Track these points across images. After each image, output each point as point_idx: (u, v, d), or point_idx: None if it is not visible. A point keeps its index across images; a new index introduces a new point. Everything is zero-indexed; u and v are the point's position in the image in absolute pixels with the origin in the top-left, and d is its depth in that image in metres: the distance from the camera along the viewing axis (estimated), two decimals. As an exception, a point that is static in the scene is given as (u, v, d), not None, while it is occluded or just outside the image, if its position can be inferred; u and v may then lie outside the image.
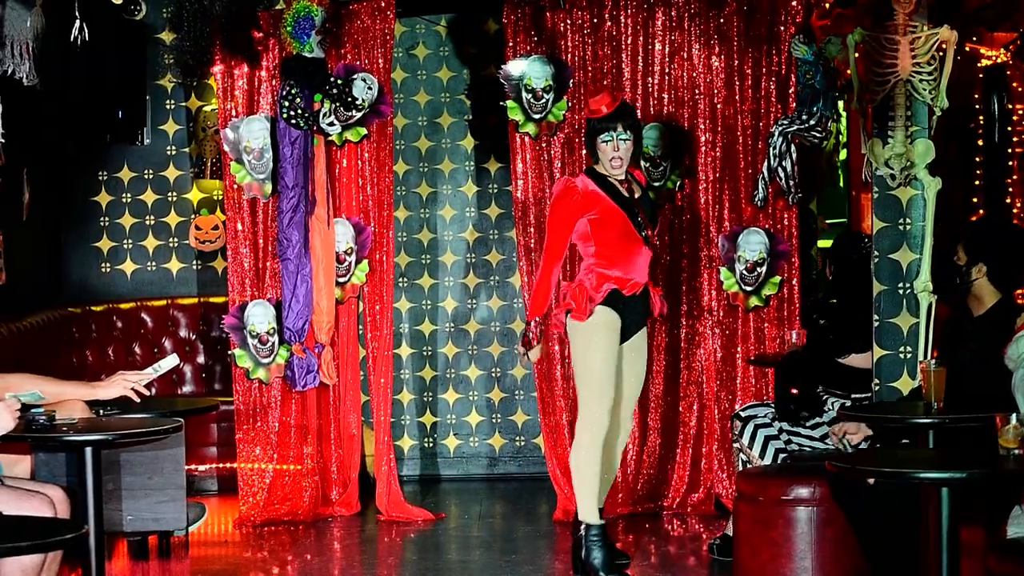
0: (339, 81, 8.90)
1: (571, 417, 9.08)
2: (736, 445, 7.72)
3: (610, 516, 8.83)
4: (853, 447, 6.98)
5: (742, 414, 7.78)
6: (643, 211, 7.44)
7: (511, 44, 9.06)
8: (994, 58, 10.19)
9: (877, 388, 7.57)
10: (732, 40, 8.92)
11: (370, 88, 8.99)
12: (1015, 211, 9.81)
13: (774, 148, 8.66)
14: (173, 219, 10.57)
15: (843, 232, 8.73)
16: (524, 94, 8.96)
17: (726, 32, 8.92)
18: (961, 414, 6.36)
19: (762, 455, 7.54)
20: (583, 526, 7.40)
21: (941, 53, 7.43)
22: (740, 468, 7.67)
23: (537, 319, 7.52)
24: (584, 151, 9.01)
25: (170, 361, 6.76)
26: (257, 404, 9.11)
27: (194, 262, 10.59)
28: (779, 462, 7.57)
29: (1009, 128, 10.23)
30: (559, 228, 7.43)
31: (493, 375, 10.44)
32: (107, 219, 10.56)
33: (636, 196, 7.48)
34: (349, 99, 8.90)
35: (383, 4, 9.06)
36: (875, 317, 7.57)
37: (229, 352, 9.19)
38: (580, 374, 7.44)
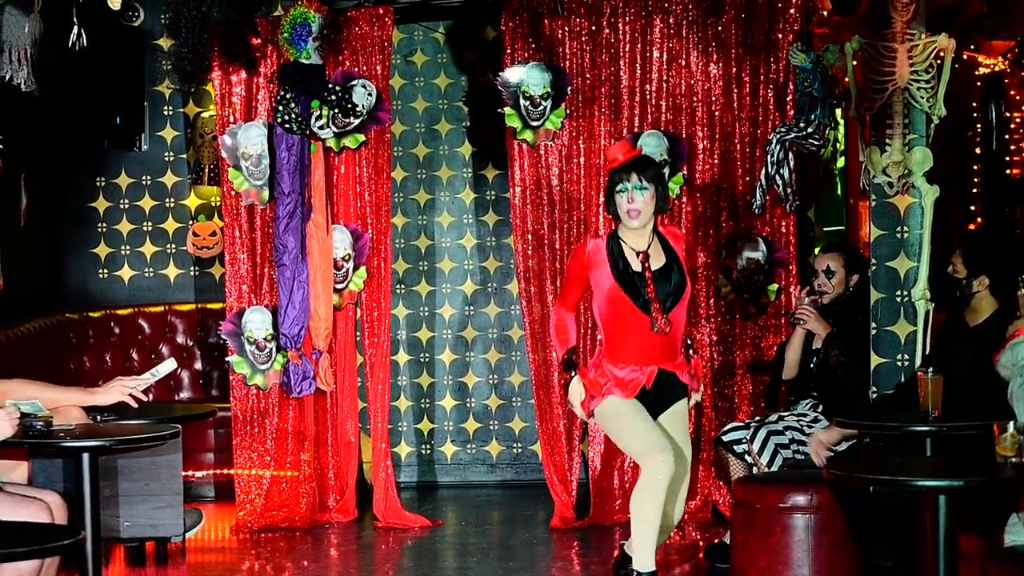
0: (337, 88, 8.90)
1: (568, 424, 9.08)
2: (744, 448, 7.67)
3: (607, 523, 8.84)
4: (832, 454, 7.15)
5: (724, 439, 7.73)
6: (654, 288, 6.76)
7: (509, 51, 9.06)
8: (992, 66, 10.21)
9: (874, 396, 7.58)
10: (730, 47, 8.92)
11: (370, 95, 9.00)
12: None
13: (772, 155, 8.66)
14: (171, 225, 10.57)
15: (841, 244, 8.64)
16: (522, 101, 8.96)
17: (724, 39, 8.93)
18: (958, 422, 6.38)
19: (770, 464, 7.53)
20: (635, 573, 6.76)
21: (939, 61, 7.44)
22: (742, 475, 7.64)
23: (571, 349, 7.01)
24: (581, 159, 9.03)
25: (167, 366, 6.76)
26: (254, 410, 9.10)
27: (192, 268, 10.59)
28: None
29: (1007, 136, 10.25)
30: (567, 279, 6.99)
31: (491, 382, 10.44)
32: (105, 225, 10.56)
33: (653, 268, 6.80)
34: (349, 105, 8.91)
35: (381, 11, 9.06)
36: (872, 325, 7.58)
37: (226, 358, 9.19)
38: (623, 444, 6.91)
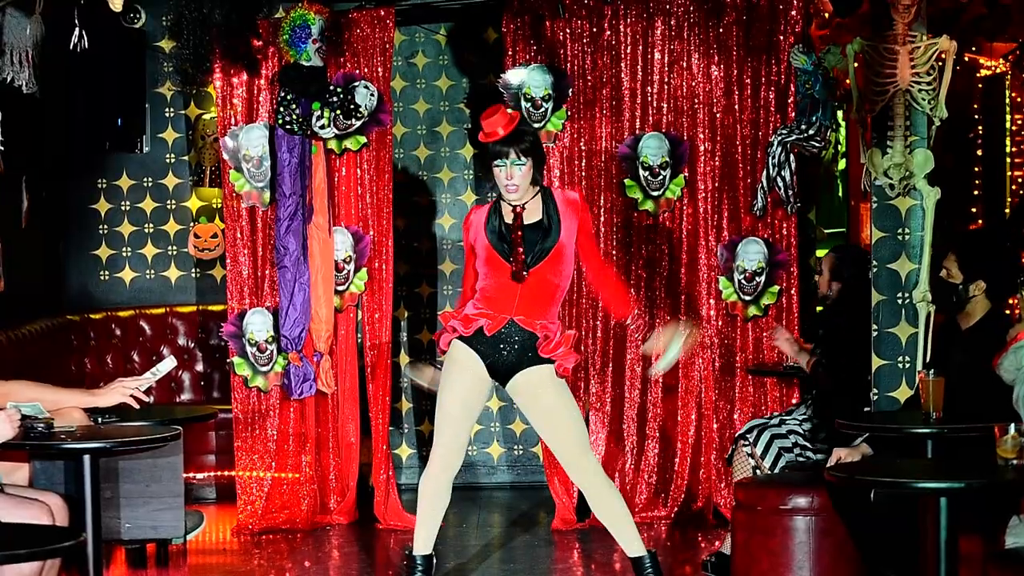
0: (338, 89, 8.90)
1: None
2: (747, 450, 7.67)
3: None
4: None
5: (748, 436, 7.73)
6: (523, 237, 6.89)
7: (510, 53, 9.06)
8: (993, 68, 10.21)
9: (876, 398, 7.58)
10: (731, 50, 8.93)
11: (372, 95, 9.00)
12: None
13: (773, 158, 8.67)
14: (172, 227, 10.57)
15: (844, 247, 8.63)
16: (523, 103, 8.96)
17: (725, 42, 8.93)
18: (959, 424, 6.38)
19: (773, 467, 7.52)
20: (408, 552, 7.19)
21: (940, 63, 7.44)
22: (746, 476, 7.64)
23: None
24: (583, 161, 9.04)
25: (167, 364, 6.75)
26: (255, 412, 9.11)
27: (193, 270, 10.59)
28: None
29: (1008, 138, 10.25)
30: (466, 257, 7.15)
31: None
32: (106, 227, 10.56)
33: (526, 221, 6.90)
34: (351, 106, 8.90)
35: (383, 13, 9.07)
36: (874, 327, 7.58)
37: (228, 360, 9.19)
38: (437, 402, 7.18)
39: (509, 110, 7.03)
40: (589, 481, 7.04)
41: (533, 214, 6.95)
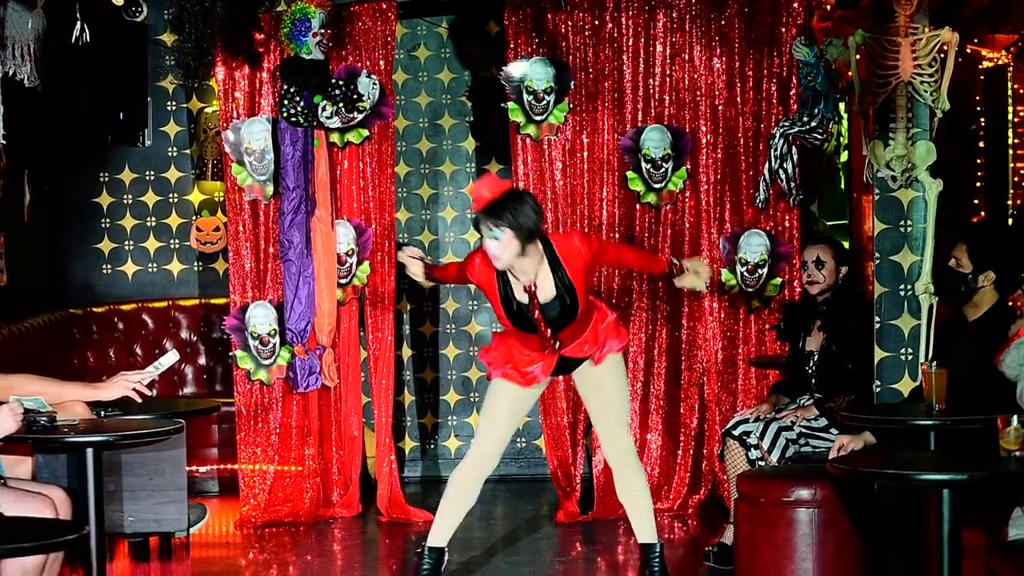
0: (340, 82, 8.90)
1: (571, 419, 9.09)
2: (751, 442, 7.66)
3: (611, 517, 8.84)
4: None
5: (734, 432, 7.71)
6: (542, 316, 6.77)
7: (512, 45, 9.06)
8: (995, 60, 10.21)
9: (878, 390, 7.58)
10: (733, 42, 8.93)
11: (374, 85, 9.00)
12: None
13: (775, 150, 8.67)
14: (174, 220, 10.57)
15: (827, 238, 8.60)
16: (525, 96, 8.96)
17: (727, 34, 8.93)
18: (962, 416, 6.38)
19: (780, 458, 7.51)
20: (423, 546, 7.24)
21: (942, 55, 7.45)
22: (745, 470, 7.64)
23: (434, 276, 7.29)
24: (584, 153, 9.04)
25: (170, 358, 6.75)
26: (258, 405, 9.11)
27: (195, 263, 10.59)
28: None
29: (1010, 130, 10.25)
30: (469, 255, 7.02)
31: (494, 377, 10.42)
32: (108, 220, 10.56)
33: (541, 302, 6.76)
34: (355, 96, 8.90)
35: (384, 6, 9.06)
36: (876, 319, 7.58)
37: (230, 353, 9.19)
38: (480, 419, 7.28)
39: (498, 174, 6.94)
40: (622, 458, 7.16)
41: (546, 290, 6.78)
